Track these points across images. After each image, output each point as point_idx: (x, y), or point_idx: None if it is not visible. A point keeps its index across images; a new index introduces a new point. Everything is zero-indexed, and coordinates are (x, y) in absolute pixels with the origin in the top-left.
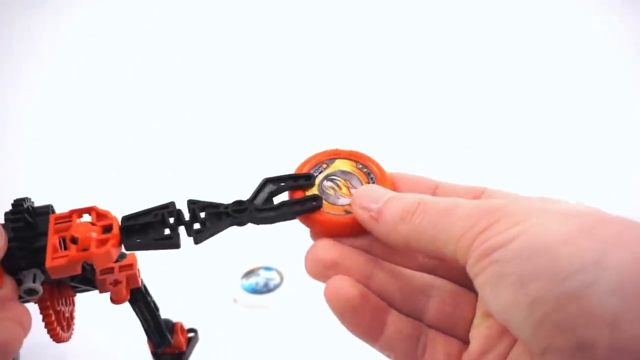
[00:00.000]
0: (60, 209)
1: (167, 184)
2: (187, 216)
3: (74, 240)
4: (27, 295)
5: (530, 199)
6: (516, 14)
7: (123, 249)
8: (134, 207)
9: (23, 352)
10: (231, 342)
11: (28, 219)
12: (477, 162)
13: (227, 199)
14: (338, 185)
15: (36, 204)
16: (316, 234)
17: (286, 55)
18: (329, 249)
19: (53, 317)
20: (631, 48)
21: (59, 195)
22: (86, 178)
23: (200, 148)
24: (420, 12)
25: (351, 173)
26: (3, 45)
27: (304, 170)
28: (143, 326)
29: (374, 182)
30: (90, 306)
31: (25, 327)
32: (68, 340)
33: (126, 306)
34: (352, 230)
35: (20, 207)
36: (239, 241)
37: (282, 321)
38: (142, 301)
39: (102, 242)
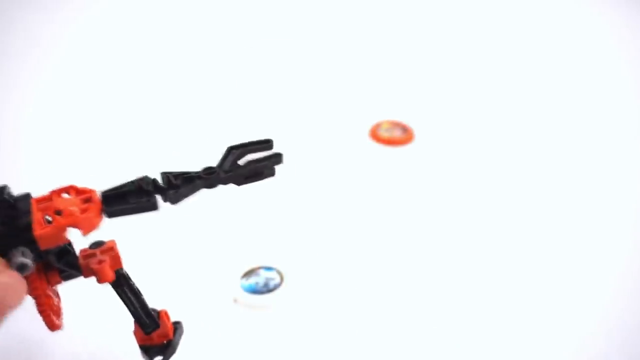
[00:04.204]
0: None
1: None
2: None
3: (59, 213)
4: (19, 271)
5: None
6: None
7: (105, 218)
8: None
9: None
10: (231, 342)
11: (9, 200)
12: (476, 162)
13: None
14: None
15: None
16: None
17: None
18: None
19: (44, 300)
20: (631, 48)
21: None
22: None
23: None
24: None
25: None
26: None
27: None
28: (130, 310)
29: None
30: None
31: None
32: (61, 328)
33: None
34: None
35: (1, 190)
36: (239, 241)
37: (282, 321)
38: (125, 284)
39: (84, 210)
